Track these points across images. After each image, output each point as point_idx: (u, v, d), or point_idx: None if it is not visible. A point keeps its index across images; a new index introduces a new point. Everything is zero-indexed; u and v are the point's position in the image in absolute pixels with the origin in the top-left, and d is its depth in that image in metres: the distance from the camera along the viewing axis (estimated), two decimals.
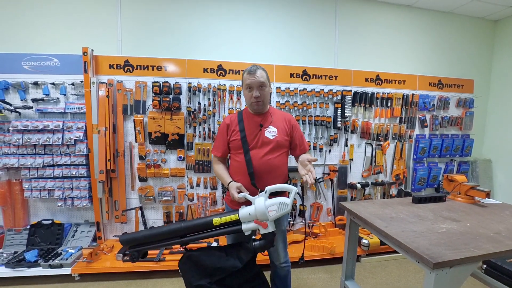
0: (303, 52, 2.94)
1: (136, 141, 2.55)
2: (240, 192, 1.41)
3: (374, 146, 3.04)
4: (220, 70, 2.64)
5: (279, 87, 2.74)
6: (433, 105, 3.18)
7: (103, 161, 2.39)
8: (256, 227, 1.24)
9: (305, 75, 2.82)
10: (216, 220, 1.26)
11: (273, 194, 1.32)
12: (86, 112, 2.39)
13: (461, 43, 3.42)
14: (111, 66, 2.50)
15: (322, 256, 2.51)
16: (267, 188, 1.31)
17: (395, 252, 2.74)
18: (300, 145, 1.64)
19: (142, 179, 2.59)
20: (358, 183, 2.99)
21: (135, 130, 2.52)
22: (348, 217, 1.65)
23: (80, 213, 2.61)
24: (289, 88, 2.75)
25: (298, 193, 1.31)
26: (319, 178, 2.90)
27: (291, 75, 2.79)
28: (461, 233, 1.23)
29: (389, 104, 3.00)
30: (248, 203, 1.33)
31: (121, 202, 2.58)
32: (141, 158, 2.57)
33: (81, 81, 2.42)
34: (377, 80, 3.00)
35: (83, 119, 2.44)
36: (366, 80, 2.97)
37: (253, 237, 1.29)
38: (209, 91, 2.61)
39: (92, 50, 2.42)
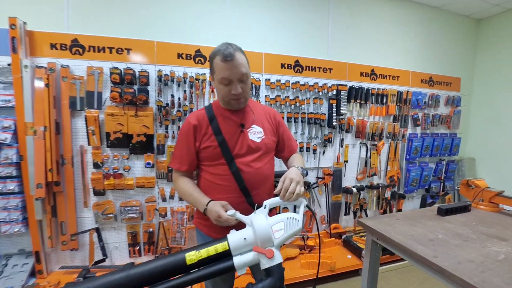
0: (295, 40, 2.60)
1: (89, 144, 1.98)
2: (226, 211, 0.99)
3: (369, 146, 2.81)
4: (198, 57, 2.18)
5: (269, 79, 2.36)
6: (425, 102, 3.05)
7: (42, 171, 1.80)
8: (256, 259, 0.83)
9: (297, 66, 2.47)
10: (191, 256, 0.79)
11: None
12: (16, 106, 1.78)
13: (448, 40, 3.36)
14: (53, 46, 1.91)
15: (321, 274, 2.19)
16: (265, 202, 0.93)
17: (395, 261, 2.54)
18: (288, 146, 1.29)
19: (98, 193, 2.03)
20: (353, 187, 2.73)
21: (87, 130, 1.96)
22: (369, 239, 1.32)
23: (11, 241, 1.96)
24: (280, 80, 2.38)
25: (307, 205, 0.98)
26: (313, 184, 2.58)
27: (282, 65, 2.42)
28: None
29: (384, 101, 2.79)
30: (238, 227, 0.92)
31: (70, 224, 1.99)
32: (96, 166, 2.00)
33: (8, 64, 1.79)
34: (372, 74, 2.77)
35: (11, 116, 1.82)
36: (361, 74, 2.72)
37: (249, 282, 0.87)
38: (185, 82, 2.13)
39: (25, 22, 1.81)
